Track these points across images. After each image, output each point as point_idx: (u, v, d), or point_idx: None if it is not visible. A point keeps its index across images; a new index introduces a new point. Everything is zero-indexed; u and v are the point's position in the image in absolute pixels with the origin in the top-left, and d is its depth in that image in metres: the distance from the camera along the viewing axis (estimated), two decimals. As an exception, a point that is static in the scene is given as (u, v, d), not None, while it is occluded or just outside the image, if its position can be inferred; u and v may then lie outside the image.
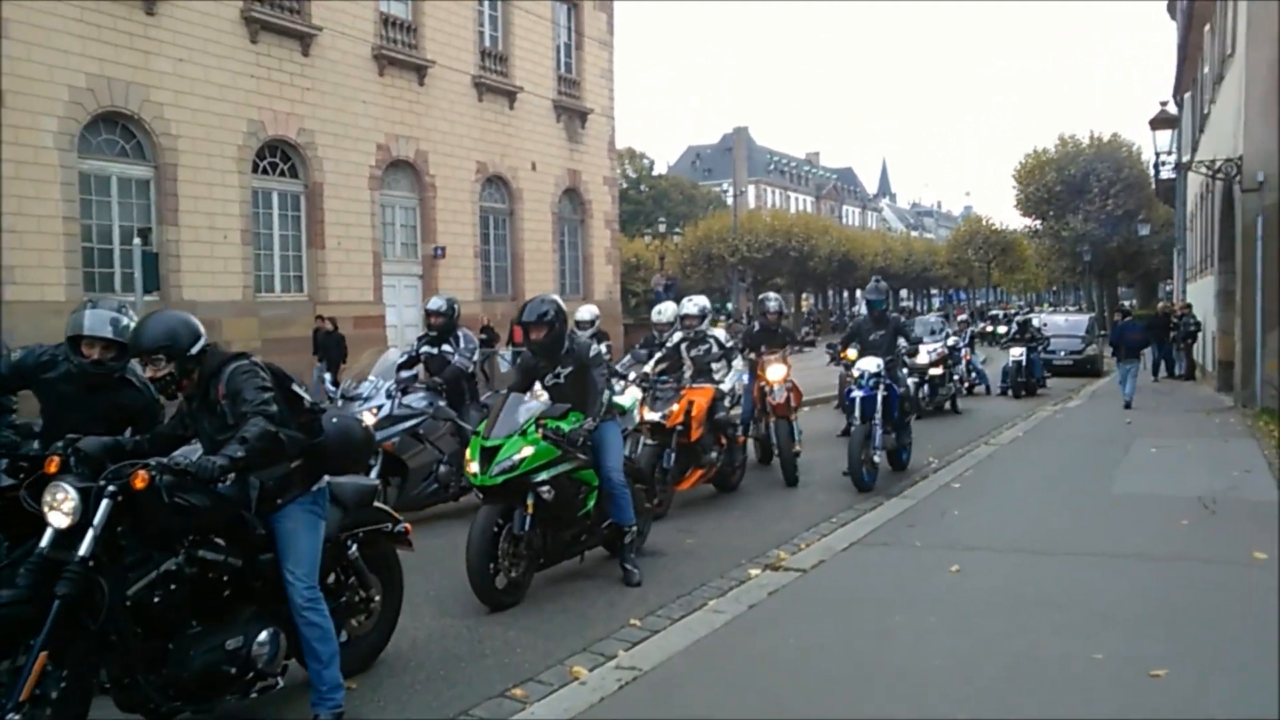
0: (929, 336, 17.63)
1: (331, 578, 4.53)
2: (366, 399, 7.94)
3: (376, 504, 4.86)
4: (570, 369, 6.48)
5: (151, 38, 19.13)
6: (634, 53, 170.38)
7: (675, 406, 8.44)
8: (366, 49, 23.99)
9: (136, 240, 15.82)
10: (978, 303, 76.43)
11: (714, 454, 8.93)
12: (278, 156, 22.27)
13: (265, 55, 21.45)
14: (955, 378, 18.13)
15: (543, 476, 5.92)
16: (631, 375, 9.37)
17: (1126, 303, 52.80)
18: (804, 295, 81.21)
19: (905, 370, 11.31)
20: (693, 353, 9.35)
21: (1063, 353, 27.84)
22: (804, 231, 55.99)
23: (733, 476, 9.62)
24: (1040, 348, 22.50)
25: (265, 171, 21.99)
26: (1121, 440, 12.62)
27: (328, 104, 22.94)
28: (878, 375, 9.97)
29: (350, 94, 23.53)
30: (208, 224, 20.35)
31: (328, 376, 8.28)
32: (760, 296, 11.13)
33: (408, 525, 4.86)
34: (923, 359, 16.69)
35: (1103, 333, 28.92)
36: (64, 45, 17.66)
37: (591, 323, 11.39)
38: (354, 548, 4.54)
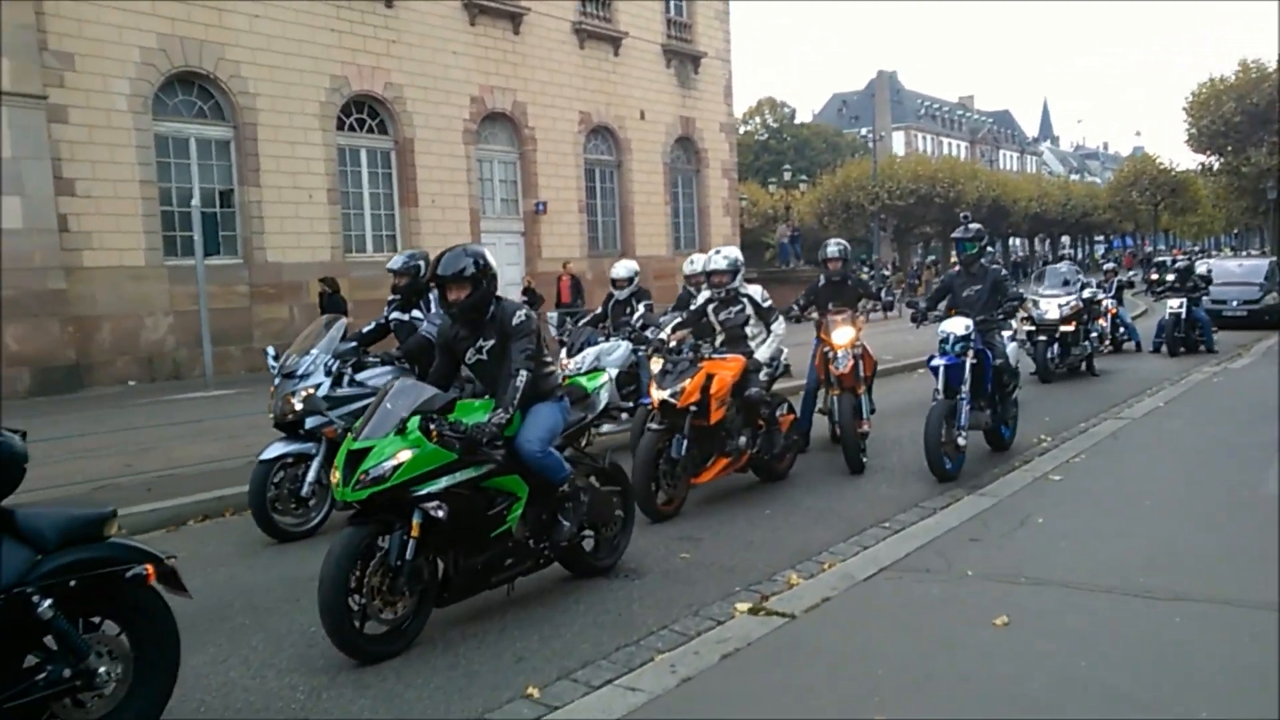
0: (1061, 288, 15.30)
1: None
2: (303, 376, 6.70)
3: (115, 537, 3.55)
4: (493, 341, 5.03)
5: (222, -7, 18.48)
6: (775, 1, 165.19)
7: (689, 382, 6.86)
8: (456, -2, 22.89)
9: (194, 202, 15.13)
10: (1146, 249, 70.50)
11: (743, 439, 7.31)
12: (365, 113, 21.50)
13: (346, 8, 20.61)
14: (1093, 334, 15.71)
15: (430, 488, 4.51)
16: (663, 338, 7.85)
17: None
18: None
19: (1010, 333, 9.34)
20: (721, 315, 7.73)
21: (1235, 303, 24.46)
22: (949, 176, 52.38)
23: (779, 464, 7.99)
24: (1204, 298, 19.57)
25: (352, 129, 21.25)
26: (1292, 413, 10.28)
27: (415, 56, 22.00)
28: (966, 339, 8.12)
29: (439, 45, 22.51)
30: (291, 184, 19.74)
31: (271, 351, 7.11)
32: (828, 244, 9.36)
33: (150, 567, 3.48)
34: (1053, 314, 14.58)
35: (1283, 279, 25.28)
36: (131, 5, 17.14)
37: (630, 280, 9.89)
38: (45, 605, 3.23)
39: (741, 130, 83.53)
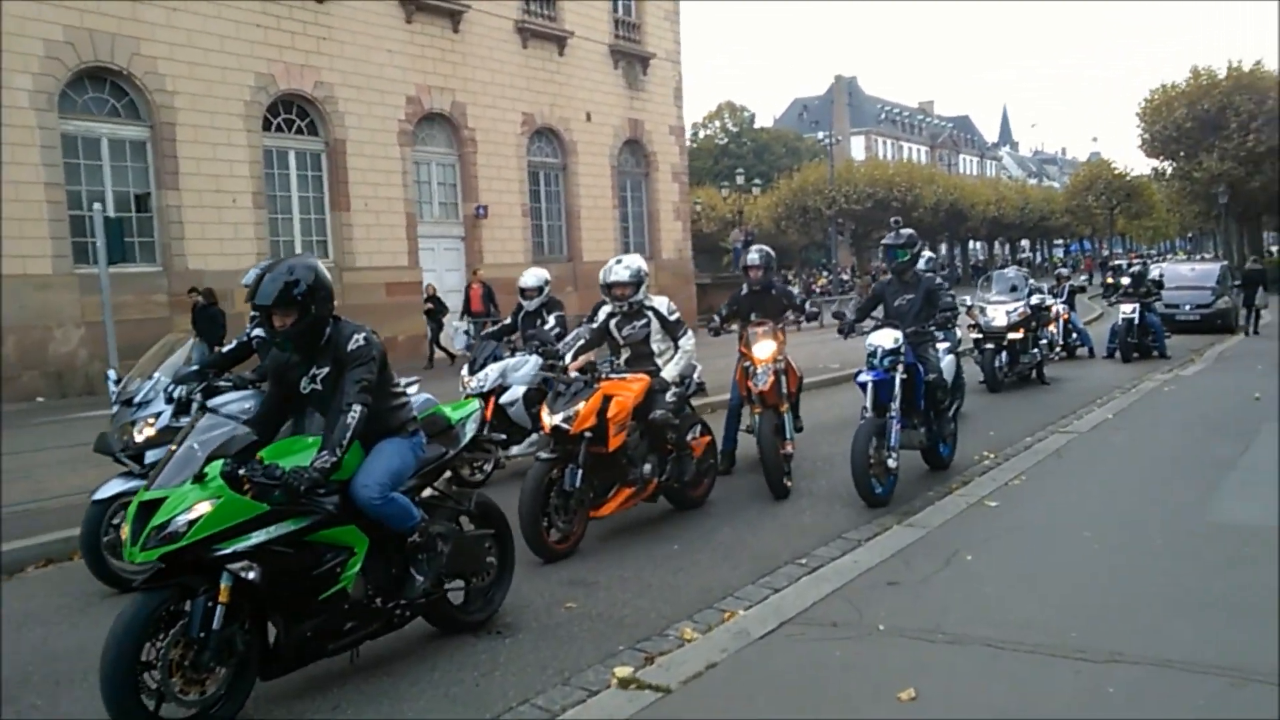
0: (1009, 294, 14.77)
1: None
2: (142, 404, 5.91)
3: None
4: (328, 369, 4.29)
5: (134, -16, 17.53)
6: (734, 3, 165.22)
7: (583, 405, 6.15)
8: (391, -7, 22.05)
9: (96, 206, 14.23)
10: (1103, 254, 70.81)
11: (648, 466, 6.61)
12: (293, 113, 20.59)
13: (272, 3, 19.69)
14: (1043, 342, 15.21)
15: (238, 546, 3.76)
16: (569, 358, 7.12)
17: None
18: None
19: (946, 345, 8.75)
20: (625, 331, 7.03)
21: (1188, 306, 24.26)
22: (906, 181, 52.22)
23: (694, 491, 7.31)
24: (1157, 303, 19.20)
25: (280, 129, 20.33)
26: (1244, 424, 9.77)
27: (348, 54, 21.15)
28: (895, 352, 7.48)
29: (373, 43, 21.68)
30: (214, 187, 18.82)
31: (111, 374, 6.32)
32: (750, 250, 8.71)
33: None
34: (1000, 321, 14.06)
35: (1235, 283, 25.07)
36: (33, -5, 16.18)
37: (540, 289, 9.15)
38: None
39: (701, 134, 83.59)
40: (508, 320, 9.37)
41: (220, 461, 3.80)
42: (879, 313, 8.31)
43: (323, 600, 4.05)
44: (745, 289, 8.66)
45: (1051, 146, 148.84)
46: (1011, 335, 14.09)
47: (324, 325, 4.29)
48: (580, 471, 6.11)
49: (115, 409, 6.04)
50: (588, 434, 6.12)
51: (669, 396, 6.73)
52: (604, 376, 6.47)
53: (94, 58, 17.07)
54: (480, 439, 5.01)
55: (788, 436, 7.81)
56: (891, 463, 7.26)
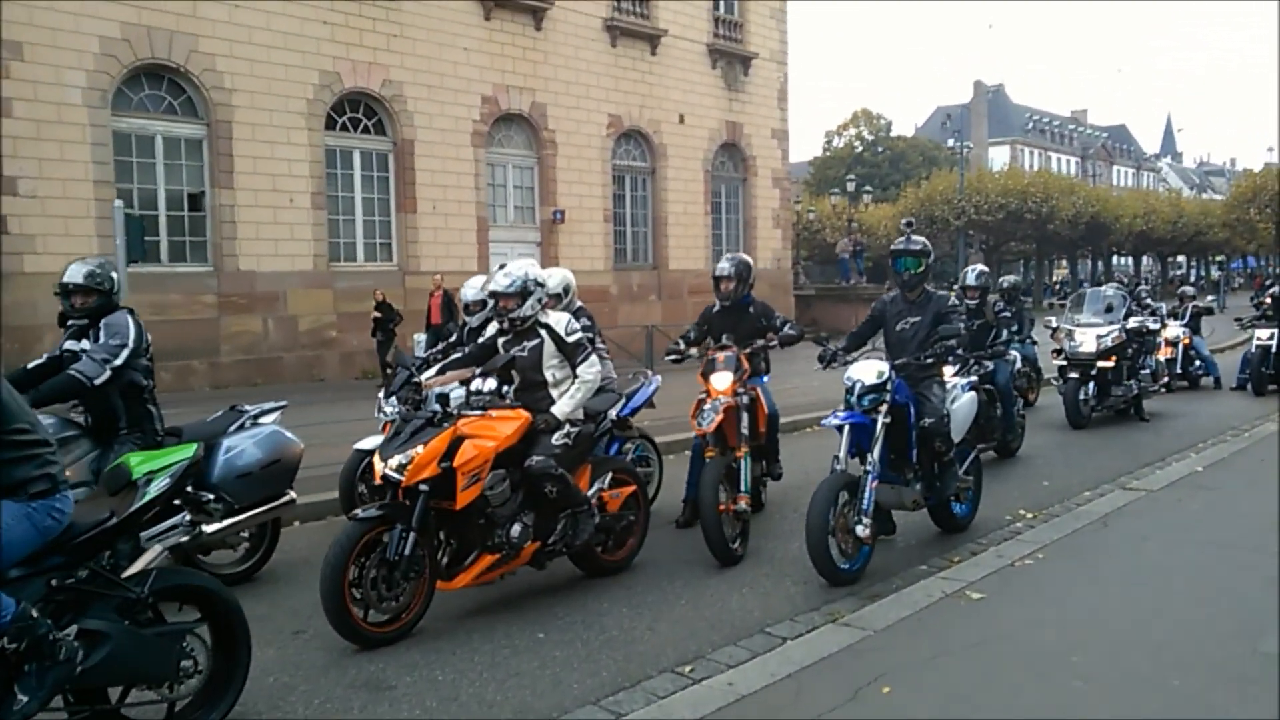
0: (1103, 315, 12.70)
1: None
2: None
3: None
4: None
5: (195, -20, 17.21)
6: (870, 8, 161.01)
7: (421, 449, 4.86)
8: (468, -11, 21.30)
9: (117, 202, 13.77)
10: (1275, 271, 64.89)
11: (518, 528, 5.25)
12: (360, 111, 20.01)
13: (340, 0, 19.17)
14: (1145, 371, 13.06)
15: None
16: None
17: None
18: (1057, 261, 72.54)
19: (961, 382, 7.07)
20: (514, 352, 5.68)
21: (1350, 334, 21.13)
22: (1042, 191, 48.76)
23: (617, 552, 5.94)
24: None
25: (345, 128, 19.79)
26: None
27: (419, 52, 20.47)
28: (880, 388, 5.93)
29: (448, 40, 20.95)
30: (270, 186, 18.37)
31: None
32: (722, 258, 7.28)
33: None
34: (1088, 347, 12.07)
35: None
36: (90, -10, 15.99)
37: (484, 304, 7.88)
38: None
39: (836, 142, 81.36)
40: (453, 339, 8.12)
41: None
42: (881, 339, 6.76)
43: None
44: (716, 305, 7.21)
45: (1219, 157, 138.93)
46: (1102, 364, 12.06)
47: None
48: (412, 535, 4.81)
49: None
50: (423, 487, 4.82)
51: (557, 438, 5.37)
52: (459, 414, 5.14)
53: (151, 55, 16.81)
54: (194, 498, 3.78)
55: (743, 489, 6.30)
56: (862, 530, 5.69)
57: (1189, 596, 5.29)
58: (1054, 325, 13.10)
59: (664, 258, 25.95)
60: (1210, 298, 20.04)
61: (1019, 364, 13.76)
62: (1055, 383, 12.83)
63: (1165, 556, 6.01)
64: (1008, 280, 14.59)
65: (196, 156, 17.75)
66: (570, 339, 5.58)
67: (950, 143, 53.60)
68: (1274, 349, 15.56)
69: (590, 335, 6.86)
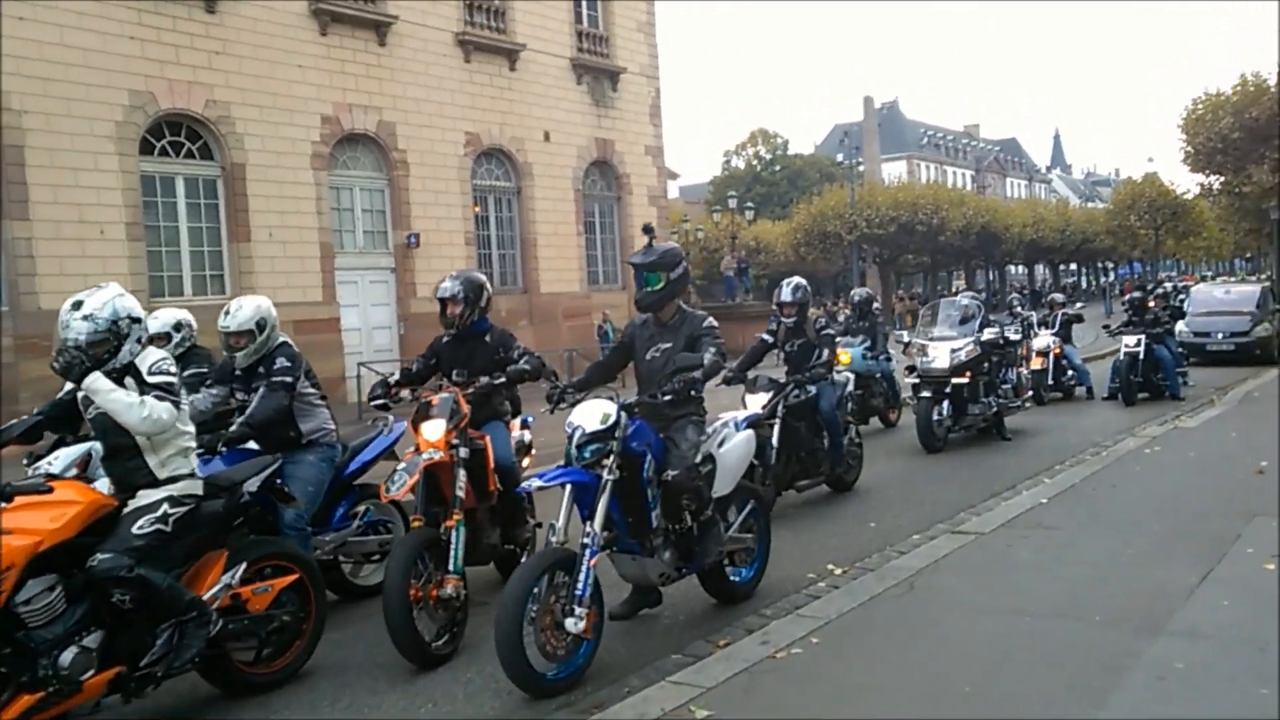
0: (957, 326, 11.81)
1: None
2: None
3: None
4: None
5: (-34, -10, 15.51)
6: (767, 30, 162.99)
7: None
8: (301, 4, 19.86)
9: None
10: (1160, 278, 66.46)
11: (70, 653, 3.81)
12: (182, 135, 18.39)
13: (152, 14, 17.58)
14: (1006, 385, 12.23)
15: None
16: None
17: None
18: (953, 273, 73.26)
19: (736, 417, 5.94)
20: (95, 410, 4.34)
21: (1220, 335, 20.98)
22: (932, 203, 48.87)
23: (275, 662, 4.61)
24: (1169, 334, 16.06)
25: (165, 153, 18.14)
26: (1225, 521, 6.80)
27: (247, 70, 18.95)
28: (607, 436, 4.73)
29: (280, 58, 19.47)
30: (76, 217, 16.66)
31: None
32: (447, 278, 6.07)
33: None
34: (940, 363, 11.16)
35: (1277, 307, 21.67)
36: None
37: (170, 333, 6.62)
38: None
39: (733, 162, 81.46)
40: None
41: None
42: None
43: None
44: (445, 336, 5.98)
45: (1105, 168, 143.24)
46: (956, 380, 11.15)
47: None
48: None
49: None
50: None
51: (144, 524, 4.03)
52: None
53: (-79, 74, 15.03)
54: None
55: (452, 569, 5.03)
56: (574, 624, 4.46)
57: (997, 674, 4.19)
58: (906, 340, 12.20)
59: (534, 281, 24.71)
60: (1079, 304, 19.47)
61: (878, 381, 12.86)
62: (910, 403, 11.91)
63: (963, 637, 4.87)
64: (859, 293, 13.74)
65: (-17, 186, 15.95)
66: (153, 379, 4.21)
67: (839, 158, 53.45)
68: (1140, 356, 15.00)
69: (289, 379, 5.59)
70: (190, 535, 4.28)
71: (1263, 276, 42.19)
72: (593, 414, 4.76)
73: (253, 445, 5.77)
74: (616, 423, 4.74)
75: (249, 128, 19.04)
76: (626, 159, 27.50)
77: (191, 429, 4.44)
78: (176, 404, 4.17)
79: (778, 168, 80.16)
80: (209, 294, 18.78)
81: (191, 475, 4.34)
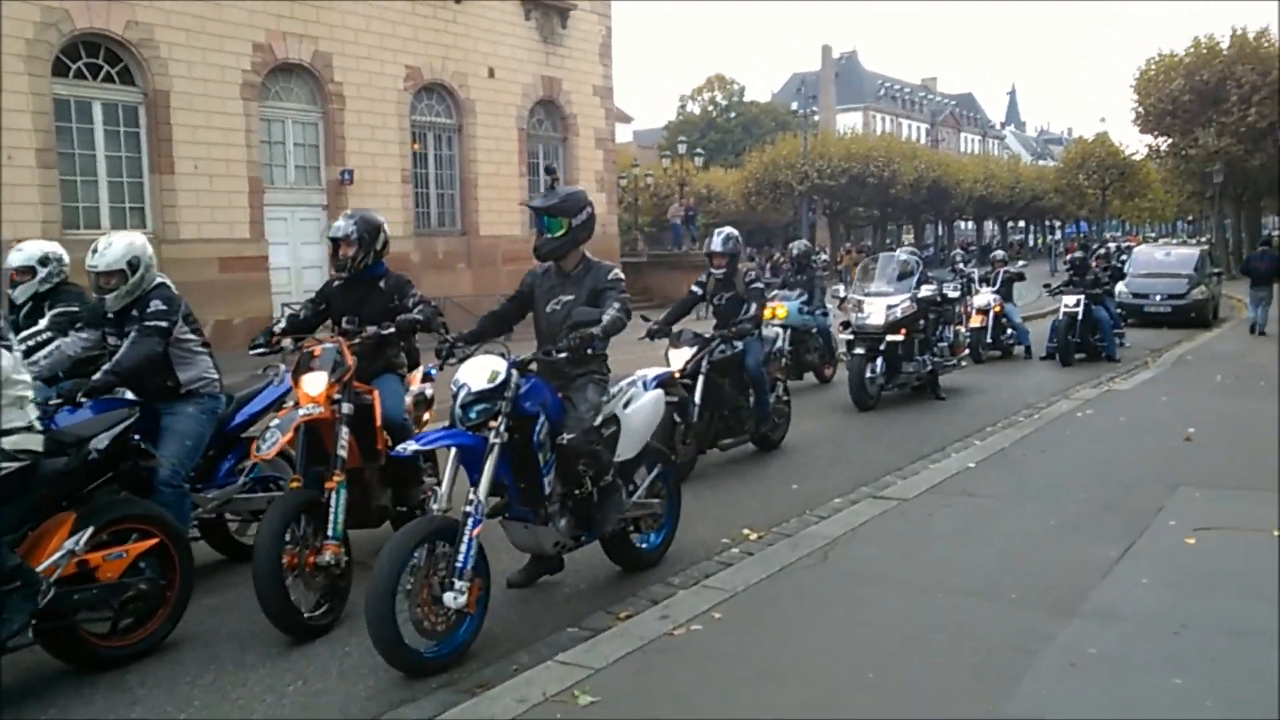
0: (895, 283, 11.57)
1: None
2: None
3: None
4: None
5: None
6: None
7: None
8: (232, -80, 18.84)
9: None
10: (1104, 237, 67.18)
11: None
12: (100, 57, 17.42)
13: (65, -78, 16.50)
14: (943, 343, 12.07)
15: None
16: None
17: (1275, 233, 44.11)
18: (903, 227, 73.41)
19: (649, 374, 5.61)
20: None
21: (1158, 297, 21.11)
22: (884, 155, 48.67)
23: (134, 633, 4.25)
24: (1108, 295, 16.05)
25: (81, 75, 17.19)
26: (1152, 489, 6.67)
27: (170, -11, 17.93)
28: (495, 396, 4.38)
29: (206, -23, 18.45)
30: (-19, 142, 15.70)
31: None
32: (342, 216, 5.66)
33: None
34: (876, 319, 10.93)
35: (1215, 270, 21.80)
36: None
37: (34, 267, 6.19)
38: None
39: (689, 107, 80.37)
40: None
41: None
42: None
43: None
44: (336, 280, 5.56)
45: (1059, 126, 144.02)
46: (891, 338, 10.93)
47: None
48: None
49: None
50: None
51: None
52: None
53: None
54: None
55: (331, 534, 4.68)
56: (454, 598, 4.13)
57: (888, 681, 3.95)
58: (842, 295, 11.96)
59: (474, 223, 24.06)
60: (1021, 263, 19.43)
61: (813, 336, 12.63)
62: (844, 359, 11.70)
63: (871, 616, 4.62)
64: (797, 246, 13.47)
65: (-120, 105, 15.00)
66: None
67: (794, 106, 53.00)
68: (1079, 317, 14.95)
69: (164, 324, 5.15)
70: (25, 497, 3.88)
71: (1203, 239, 42.79)
72: (480, 371, 4.40)
73: (130, 396, 5.34)
74: (506, 381, 4.39)
75: (174, 52, 18.10)
76: (574, 99, 26.79)
77: (26, 377, 4.02)
78: (8, 347, 3.75)
79: (733, 115, 79.23)
80: (128, 227, 17.90)
81: (29, 429, 3.93)
